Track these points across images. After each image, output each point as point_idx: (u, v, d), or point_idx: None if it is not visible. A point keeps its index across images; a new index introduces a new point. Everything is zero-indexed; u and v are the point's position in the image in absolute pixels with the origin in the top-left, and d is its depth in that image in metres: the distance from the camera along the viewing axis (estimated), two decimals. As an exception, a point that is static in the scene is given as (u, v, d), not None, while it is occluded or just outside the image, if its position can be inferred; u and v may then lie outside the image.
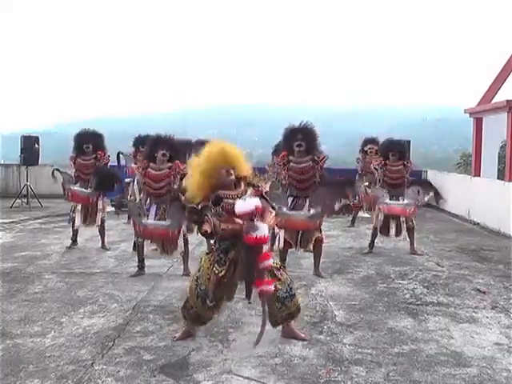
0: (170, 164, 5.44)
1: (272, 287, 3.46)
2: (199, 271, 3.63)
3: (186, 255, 5.63)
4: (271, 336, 3.76)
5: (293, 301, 3.65)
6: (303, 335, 3.78)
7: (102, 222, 7.02)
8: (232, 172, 3.53)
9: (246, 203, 3.34)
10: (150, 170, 5.46)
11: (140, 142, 7.73)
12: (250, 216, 3.31)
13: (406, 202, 6.71)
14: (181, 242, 5.52)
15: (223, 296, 3.61)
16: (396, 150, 6.81)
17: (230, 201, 3.47)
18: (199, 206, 3.50)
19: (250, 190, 3.58)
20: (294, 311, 3.69)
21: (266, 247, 3.46)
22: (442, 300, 4.80)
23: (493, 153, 13.06)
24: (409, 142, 11.63)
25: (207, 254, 3.67)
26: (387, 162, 6.83)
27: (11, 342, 3.67)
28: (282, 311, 3.62)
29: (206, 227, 3.36)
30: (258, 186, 3.62)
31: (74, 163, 6.91)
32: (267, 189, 3.71)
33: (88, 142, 6.88)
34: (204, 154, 3.53)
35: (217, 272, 3.49)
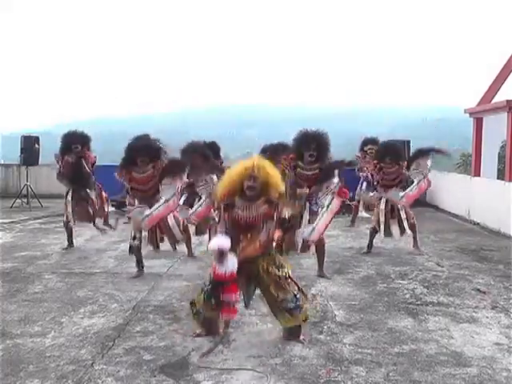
0: (151, 164, 5.49)
1: (235, 316, 3.63)
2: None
3: (188, 240, 5.69)
4: (271, 336, 3.77)
5: (301, 312, 3.62)
6: (303, 337, 3.75)
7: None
8: (254, 187, 3.54)
9: (214, 244, 3.43)
10: (133, 174, 5.48)
11: None
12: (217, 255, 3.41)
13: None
14: (176, 230, 5.54)
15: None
16: (392, 154, 6.75)
17: (239, 211, 3.56)
18: (216, 205, 3.71)
19: (263, 207, 3.58)
20: (289, 328, 3.69)
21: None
22: (442, 300, 4.80)
23: (493, 153, 13.05)
24: (409, 142, 11.63)
25: None
26: (382, 164, 6.79)
27: (11, 341, 3.67)
28: (290, 322, 3.62)
29: None
30: (276, 207, 3.57)
31: (62, 159, 6.89)
32: (284, 214, 3.60)
33: (77, 142, 6.92)
34: (241, 163, 3.63)
35: None
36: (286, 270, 3.64)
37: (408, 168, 6.79)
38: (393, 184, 6.78)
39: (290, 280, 3.63)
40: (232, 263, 3.41)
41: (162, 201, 5.37)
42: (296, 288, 3.64)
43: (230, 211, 3.57)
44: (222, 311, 3.54)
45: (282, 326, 3.69)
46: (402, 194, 6.66)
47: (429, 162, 6.75)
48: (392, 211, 6.80)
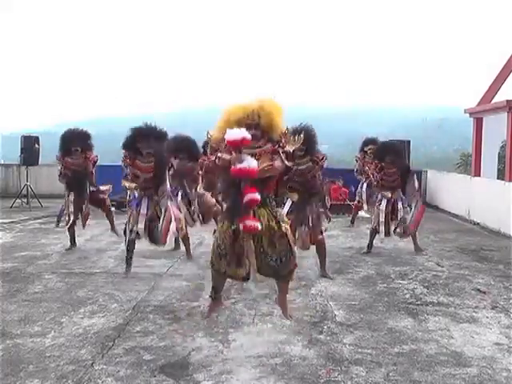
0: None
1: (258, 224, 3.43)
2: (217, 239, 3.65)
3: (186, 239, 5.69)
4: (271, 336, 3.77)
5: (278, 267, 3.61)
6: (289, 313, 3.83)
7: (109, 207, 7.10)
8: (257, 135, 3.54)
9: (236, 131, 3.36)
10: (137, 161, 5.46)
11: None
12: (238, 146, 3.34)
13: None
14: (173, 227, 5.53)
15: (243, 252, 3.57)
16: (392, 153, 6.73)
17: (243, 149, 3.52)
18: (214, 144, 3.61)
19: (268, 145, 3.58)
20: (284, 275, 3.71)
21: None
22: (442, 300, 4.80)
23: (493, 153, 13.06)
24: (409, 142, 11.64)
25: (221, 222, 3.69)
26: (383, 164, 6.76)
27: (11, 342, 3.67)
28: (265, 273, 3.64)
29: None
30: (278, 144, 3.57)
31: (63, 160, 6.79)
32: (289, 149, 3.59)
33: (76, 144, 6.75)
34: (238, 106, 3.59)
35: (232, 228, 3.51)
36: (283, 227, 3.62)
37: (404, 192, 6.82)
38: (392, 186, 6.76)
39: (283, 239, 3.61)
40: (253, 161, 3.36)
41: (163, 211, 5.40)
42: (287, 247, 3.62)
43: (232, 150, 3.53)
44: (242, 219, 3.41)
45: (259, 273, 3.67)
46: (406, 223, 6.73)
47: (416, 184, 6.88)
48: (392, 212, 6.78)
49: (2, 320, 4.09)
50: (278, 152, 3.56)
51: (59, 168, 6.87)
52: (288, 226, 3.70)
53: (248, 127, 3.50)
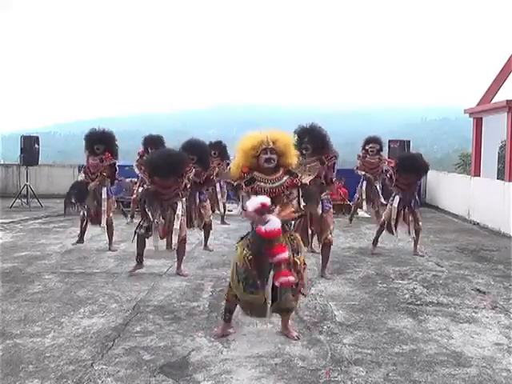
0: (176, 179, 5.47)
1: (292, 278, 3.43)
2: (237, 264, 3.63)
3: (180, 253, 5.63)
4: (271, 336, 3.77)
5: (289, 297, 3.58)
6: (295, 333, 3.77)
7: (111, 222, 7.00)
8: (273, 159, 3.57)
9: (253, 202, 3.36)
10: (156, 178, 5.41)
11: (149, 141, 7.90)
12: (260, 212, 3.32)
13: None
14: (175, 239, 5.50)
15: (259, 276, 3.54)
16: (413, 169, 6.61)
17: (262, 184, 3.57)
18: (235, 184, 3.64)
19: (285, 178, 3.60)
20: (285, 309, 3.67)
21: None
22: (442, 300, 4.80)
23: (493, 153, 13.04)
24: (409, 141, 11.66)
25: (242, 238, 3.68)
26: (401, 174, 6.63)
27: (11, 341, 3.67)
28: (281, 303, 3.59)
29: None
30: (296, 176, 3.61)
31: (87, 161, 6.91)
32: (306, 181, 3.64)
33: (99, 142, 6.78)
34: (251, 135, 3.63)
35: (247, 255, 3.51)
36: (298, 257, 3.61)
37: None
38: (408, 188, 6.72)
39: (297, 268, 3.58)
40: (274, 220, 3.33)
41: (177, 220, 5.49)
42: (301, 277, 3.61)
43: (251, 185, 3.56)
44: (275, 276, 3.40)
45: (274, 303, 3.63)
46: None
47: None
48: (404, 211, 6.74)
49: (1, 320, 4.09)
50: (297, 186, 3.60)
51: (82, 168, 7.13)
52: (302, 258, 3.66)
53: (264, 152, 3.57)
